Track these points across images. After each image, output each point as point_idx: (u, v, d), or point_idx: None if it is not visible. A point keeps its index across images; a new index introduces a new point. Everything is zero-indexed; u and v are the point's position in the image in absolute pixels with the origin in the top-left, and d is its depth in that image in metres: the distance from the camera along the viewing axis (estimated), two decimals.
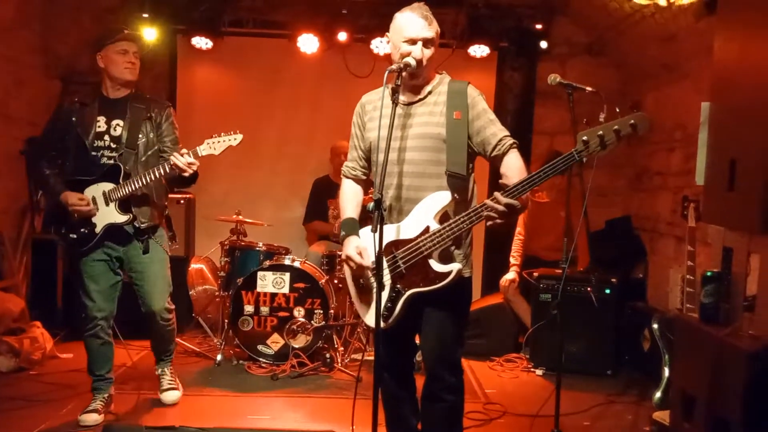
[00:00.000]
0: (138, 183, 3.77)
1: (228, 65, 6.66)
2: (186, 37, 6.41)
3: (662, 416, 3.84)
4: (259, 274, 5.09)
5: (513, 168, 2.85)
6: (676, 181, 5.52)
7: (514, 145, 2.89)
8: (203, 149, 3.73)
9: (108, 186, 3.82)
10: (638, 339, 5.18)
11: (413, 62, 2.81)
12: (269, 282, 5.09)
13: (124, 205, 3.84)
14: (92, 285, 3.89)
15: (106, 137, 3.89)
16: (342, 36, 6.24)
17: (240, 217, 5.45)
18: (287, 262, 5.17)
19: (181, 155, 3.66)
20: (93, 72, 6.36)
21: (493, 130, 2.89)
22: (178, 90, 6.60)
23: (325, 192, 6.15)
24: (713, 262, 4.06)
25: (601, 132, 2.62)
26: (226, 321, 5.23)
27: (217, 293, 5.50)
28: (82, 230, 3.82)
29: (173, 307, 4.14)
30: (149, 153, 3.94)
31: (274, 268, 5.11)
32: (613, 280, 5.20)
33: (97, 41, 3.95)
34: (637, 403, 4.61)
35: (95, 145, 3.86)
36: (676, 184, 5.51)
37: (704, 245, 4.51)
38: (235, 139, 3.76)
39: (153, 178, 3.75)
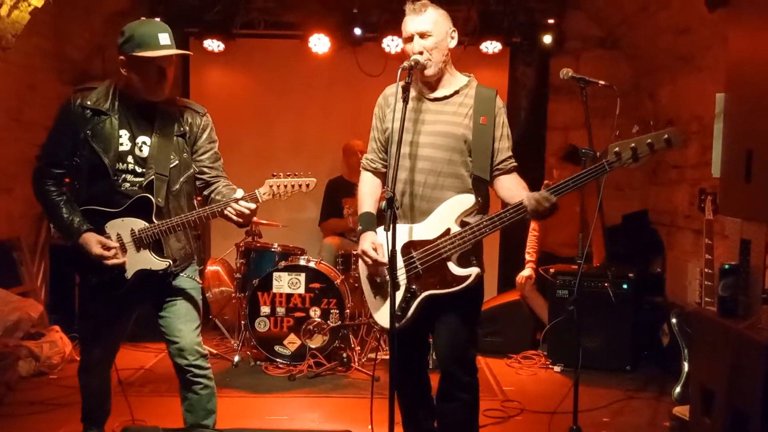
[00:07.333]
0: (177, 226, 3.03)
1: (240, 67, 6.67)
2: (198, 39, 6.41)
3: (682, 411, 3.81)
4: (275, 275, 5.11)
5: (519, 187, 2.92)
6: (692, 173, 5.46)
7: (516, 167, 3.00)
8: (264, 193, 3.04)
9: (138, 224, 3.03)
10: (657, 334, 5.14)
11: (421, 59, 2.84)
12: (285, 283, 5.10)
13: (158, 246, 3.09)
14: (95, 338, 3.28)
15: (130, 158, 3.05)
16: (354, 34, 6.21)
17: (255, 218, 5.44)
18: (302, 262, 5.18)
19: (237, 201, 2.98)
20: (106, 76, 6.43)
21: (507, 145, 2.97)
22: (190, 94, 6.60)
23: (339, 191, 6.14)
24: (731, 254, 4.03)
25: (633, 144, 2.64)
26: (243, 322, 5.26)
27: (233, 295, 5.52)
28: (114, 272, 3.04)
29: (206, 353, 3.24)
30: (182, 179, 3.13)
31: (289, 269, 5.13)
32: (631, 275, 5.18)
33: (126, 42, 2.93)
34: (657, 399, 4.58)
35: (117, 167, 3.03)
36: (693, 177, 5.45)
37: (722, 238, 4.47)
38: (307, 185, 3.07)
39: (197, 221, 3.05)
